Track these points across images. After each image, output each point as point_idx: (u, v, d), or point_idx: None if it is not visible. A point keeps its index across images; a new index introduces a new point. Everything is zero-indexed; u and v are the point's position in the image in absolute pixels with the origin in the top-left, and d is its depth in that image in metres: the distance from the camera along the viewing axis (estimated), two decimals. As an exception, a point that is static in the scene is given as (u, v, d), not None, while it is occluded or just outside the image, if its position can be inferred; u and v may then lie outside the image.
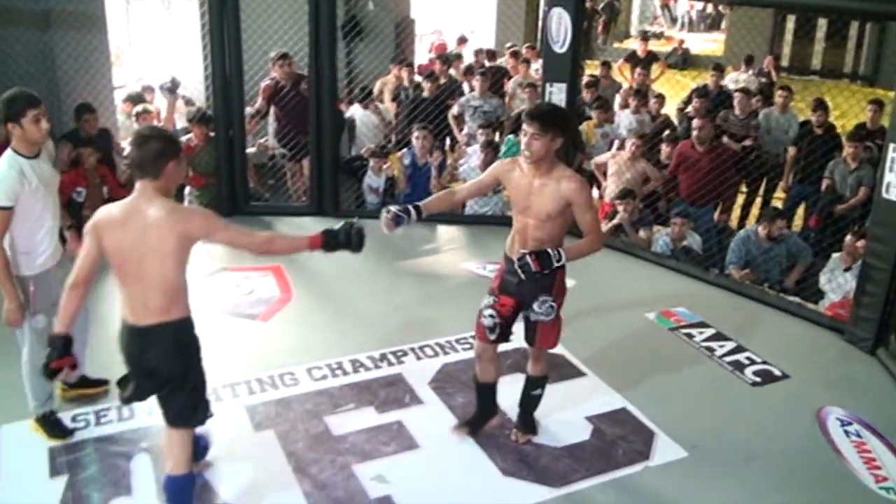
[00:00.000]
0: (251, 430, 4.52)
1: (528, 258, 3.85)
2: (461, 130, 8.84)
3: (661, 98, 9.58)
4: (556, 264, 3.91)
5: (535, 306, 4.12)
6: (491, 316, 4.17)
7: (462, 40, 12.94)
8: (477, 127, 8.33)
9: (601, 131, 8.51)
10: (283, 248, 3.89)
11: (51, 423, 4.41)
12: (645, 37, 13.62)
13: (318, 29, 7.20)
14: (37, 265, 4.19)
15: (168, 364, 3.52)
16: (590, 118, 8.68)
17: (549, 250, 3.91)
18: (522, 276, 3.91)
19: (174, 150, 3.42)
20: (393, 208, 4.08)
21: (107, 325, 4.96)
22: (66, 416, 4.53)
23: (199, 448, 4.00)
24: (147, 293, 3.44)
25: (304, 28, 7.40)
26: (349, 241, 3.67)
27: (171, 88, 8.52)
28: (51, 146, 4.32)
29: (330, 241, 3.64)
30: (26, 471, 4.15)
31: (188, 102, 8.57)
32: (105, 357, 4.81)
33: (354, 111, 8.71)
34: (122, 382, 3.62)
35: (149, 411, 4.59)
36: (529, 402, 4.42)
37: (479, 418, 4.48)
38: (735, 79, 11.30)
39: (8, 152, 4.03)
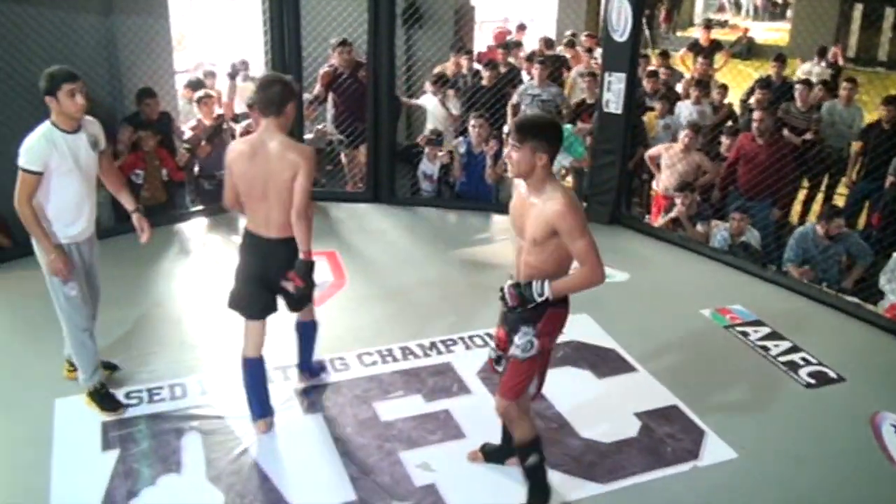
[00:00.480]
0: (301, 412, 4.58)
1: (507, 290, 3.53)
2: (518, 119, 8.77)
3: (723, 88, 9.40)
4: (537, 300, 3.47)
5: (516, 338, 3.59)
6: (492, 348, 3.83)
7: (521, 28, 12.87)
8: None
9: (663, 122, 8.39)
10: (303, 232, 4.13)
11: (101, 397, 4.54)
12: (708, 25, 13.36)
13: (378, 16, 7.22)
14: (68, 235, 4.33)
15: (281, 271, 4.17)
16: (651, 109, 8.56)
17: (534, 283, 3.47)
18: (503, 307, 3.64)
19: (293, 94, 4.04)
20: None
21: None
22: (119, 393, 4.65)
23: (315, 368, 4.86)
24: (270, 212, 4.08)
25: (363, 15, 7.43)
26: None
27: (233, 74, 8.62)
28: (97, 128, 4.41)
29: (301, 268, 4.16)
30: (79, 444, 4.26)
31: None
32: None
33: (427, 100, 8.63)
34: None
35: (201, 391, 4.70)
36: (523, 472, 3.87)
37: (499, 450, 4.17)
38: (808, 70, 11.03)
39: (45, 123, 4.19)
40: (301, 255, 4.16)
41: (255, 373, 4.37)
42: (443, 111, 8.47)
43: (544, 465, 3.83)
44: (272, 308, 4.35)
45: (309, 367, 4.90)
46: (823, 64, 11.45)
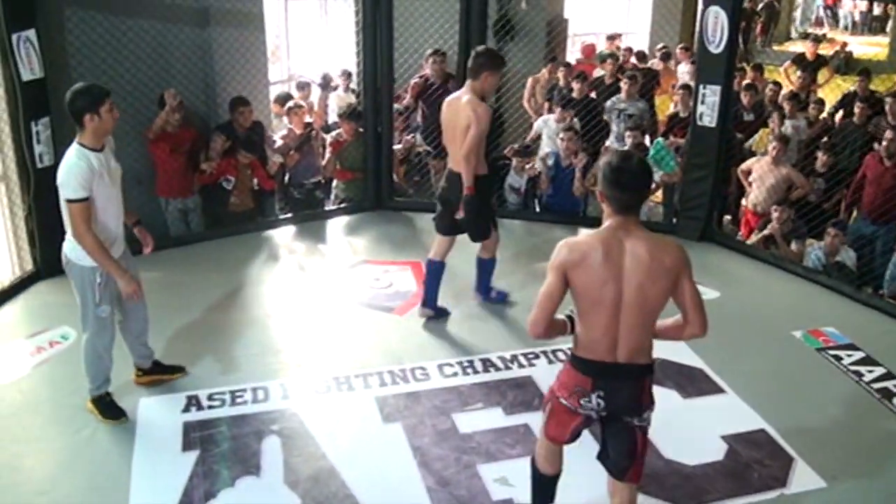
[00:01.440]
0: (380, 421, 4.58)
1: None
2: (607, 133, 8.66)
3: (819, 103, 9.11)
4: None
5: None
6: None
7: (611, 38, 12.72)
8: (624, 129, 8.13)
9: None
10: (465, 171, 5.18)
11: (105, 405, 4.53)
12: (817, 39, 12.99)
13: (469, 28, 7.22)
14: (115, 247, 4.30)
15: (456, 200, 5.28)
16: (747, 123, 8.32)
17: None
18: None
19: (490, 66, 5.13)
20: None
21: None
22: (202, 395, 4.73)
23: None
24: (454, 151, 5.29)
25: (455, 27, 7.44)
26: None
27: (324, 84, 8.75)
28: (112, 141, 4.37)
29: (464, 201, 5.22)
30: (161, 443, 4.34)
31: (358, 95, 8.63)
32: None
33: (547, 121, 8.45)
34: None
35: (283, 395, 4.75)
36: None
37: None
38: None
39: (74, 146, 4.12)
40: (465, 191, 5.15)
41: (434, 271, 5.60)
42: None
43: None
44: (456, 230, 5.45)
45: (482, 291, 5.91)
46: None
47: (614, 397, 3.19)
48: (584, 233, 5.78)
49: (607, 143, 8.69)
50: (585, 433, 3.47)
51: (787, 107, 8.37)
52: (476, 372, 5.06)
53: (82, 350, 4.48)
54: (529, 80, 9.51)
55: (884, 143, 6.92)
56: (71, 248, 4.24)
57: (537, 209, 7.85)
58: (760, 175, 7.33)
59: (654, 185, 7.64)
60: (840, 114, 9.26)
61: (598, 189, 3.20)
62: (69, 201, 4.06)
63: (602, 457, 3.39)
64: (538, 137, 8.31)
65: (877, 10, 22.64)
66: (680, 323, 3.23)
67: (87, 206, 4.06)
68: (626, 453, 3.28)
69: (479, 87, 5.14)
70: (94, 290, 4.27)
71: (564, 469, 3.62)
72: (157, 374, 4.88)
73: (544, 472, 3.59)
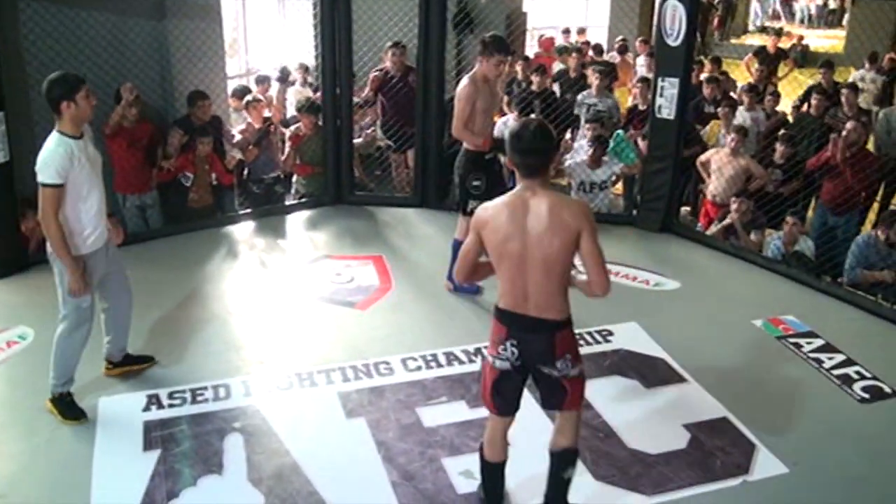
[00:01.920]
0: (343, 416, 4.54)
1: None
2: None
3: (775, 95, 9.22)
4: None
5: None
6: None
7: (566, 32, 12.79)
8: (584, 121, 8.17)
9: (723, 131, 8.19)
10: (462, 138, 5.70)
11: (66, 404, 4.47)
12: (777, 33, 13.15)
13: (429, 21, 7.20)
14: (87, 245, 4.30)
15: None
16: (711, 116, 8.40)
17: None
18: None
19: (482, 51, 5.47)
20: None
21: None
22: (162, 393, 4.67)
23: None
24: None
25: (414, 20, 7.41)
26: None
27: (282, 78, 8.67)
28: (90, 130, 4.38)
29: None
30: (121, 443, 4.27)
31: (316, 90, 8.56)
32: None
33: (507, 121, 8.41)
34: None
35: (245, 392, 4.71)
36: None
37: None
38: (860, 77, 10.80)
39: (54, 134, 4.14)
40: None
41: (457, 249, 5.39)
42: None
43: None
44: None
45: (452, 279, 5.85)
46: (874, 71, 11.17)
47: (527, 347, 3.38)
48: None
49: (567, 135, 8.73)
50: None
51: (745, 99, 8.45)
52: (440, 365, 5.04)
53: (55, 343, 4.41)
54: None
55: (843, 133, 7.00)
56: None
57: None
58: (719, 166, 7.40)
59: (614, 177, 7.68)
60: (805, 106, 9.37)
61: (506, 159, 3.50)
62: (43, 185, 4.07)
63: (543, 405, 3.66)
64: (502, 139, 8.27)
65: (832, 4, 23.01)
66: (585, 279, 3.36)
67: (58, 193, 4.09)
68: (557, 398, 3.50)
69: (477, 71, 5.52)
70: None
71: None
72: (128, 366, 4.85)
73: (489, 459, 3.68)
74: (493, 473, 3.72)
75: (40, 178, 4.09)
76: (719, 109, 8.25)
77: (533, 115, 7.57)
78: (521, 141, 3.29)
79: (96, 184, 4.30)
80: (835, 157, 6.97)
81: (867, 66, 11.17)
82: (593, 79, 8.82)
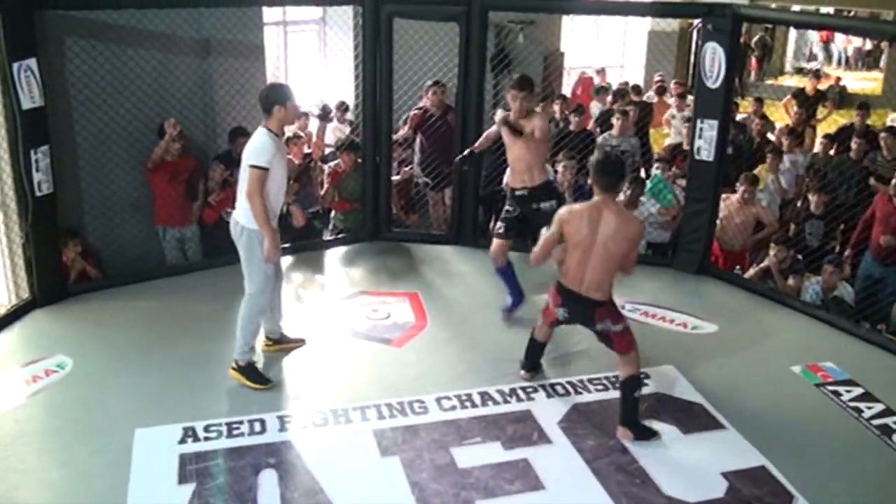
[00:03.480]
0: (378, 455, 4.54)
1: None
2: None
3: (828, 138, 9.12)
4: None
5: None
6: None
7: (601, 72, 12.83)
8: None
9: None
10: None
11: (253, 371, 5.15)
12: (818, 75, 13.11)
13: (468, 61, 7.26)
14: (273, 224, 5.01)
15: None
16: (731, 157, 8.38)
17: None
18: None
19: (509, 86, 5.73)
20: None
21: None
22: (199, 426, 4.70)
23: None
24: None
25: (454, 59, 7.48)
26: None
27: (323, 115, 8.77)
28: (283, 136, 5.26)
29: None
30: (156, 475, 4.30)
31: (355, 128, 8.65)
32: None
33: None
34: None
35: (280, 427, 4.72)
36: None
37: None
38: (896, 119, 10.75)
39: (262, 129, 4.94)
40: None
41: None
42: None
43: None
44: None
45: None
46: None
47: (572, 313, 4.77)
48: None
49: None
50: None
51: (785, 141, 8.41)
52: (475, 405, 5.02)
53: (242, 310, 5.12)
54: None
55: (893, 181, 6.91)
56: (243, 214, 4.98)
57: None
58: (729, 213, 7.34)
59: (653, 220, 7.64)
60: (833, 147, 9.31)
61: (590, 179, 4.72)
62: (254, 167, 4.83)
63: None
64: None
65: (869, 46, 22.87)
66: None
67: (265, 175, 4.84)
68: (608, 343, 4.76)
69: (519, 108, 5.70)
70: (262, 250, 4.97)
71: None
72: (284, 344, 5.57)
73: (537, 338, 5.23)
74: (537, 349, 5.28)
75: (252, 161, 4.84)
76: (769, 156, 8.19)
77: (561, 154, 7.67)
78: (604, 165, 4.58)
79: (283, 176, 5.08)
80: (883, 205, 6.87)
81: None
82: (616, 119, 8.83)
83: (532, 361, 5.32)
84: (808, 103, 10.31)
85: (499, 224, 6.05)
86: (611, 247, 4.50)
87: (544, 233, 4.71)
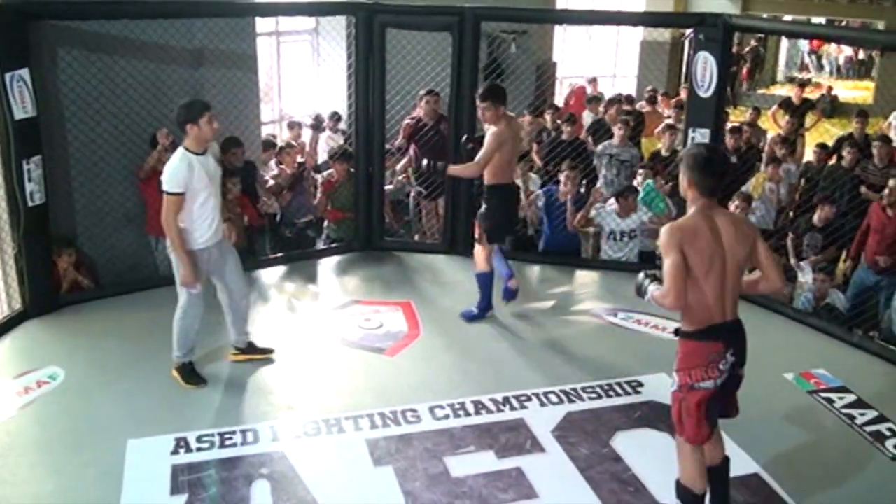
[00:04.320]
0: (371, 464, 4.53)
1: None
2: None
3: (823, 148, 9.15)
4: (639, 292, 3.83)
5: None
6: None
7: (592, 81, 12.86)
8: (614, 177, 8.16)
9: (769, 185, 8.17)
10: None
11: (188, 372, 5.23)
12: (802, 84, 13.21)
13: (461, 71, 7.28)
14: (198, 242, 5.02)
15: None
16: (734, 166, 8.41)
17: (642, 277, 3.85)
18: None
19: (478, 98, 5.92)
20: None
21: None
22: (191, 437, 4.68)
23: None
24: None
25: (446, 70, 7.50)
26: None
27: (316, 125, 8.78)
28: (216, 147, 5.25)
29: None
30: (149, 486, 4.29)
31: (348, 138, 8.68)
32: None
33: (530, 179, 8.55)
34: None
35: (272, 437, 4.71)
36: None
37: None
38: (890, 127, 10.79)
39: (180, 150, 4.93)
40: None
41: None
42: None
43: None
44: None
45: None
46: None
47: (738, 350, 3.72)
48: (586, 273, 5.84)
49: (599, 184, 8.74)
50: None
51: (778, 151, 8.44)
52: (468, 414, 5.02)
53: (174, 323, 5.18)
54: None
55: (886, 192, 6.93)
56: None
57: (540, 249, 7.84)
58: None
59: (644, 229, 7.65)
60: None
61: (683, 178, 3.74)
62: (167, 193, 4.83)
63: (727, 414, 3.91)
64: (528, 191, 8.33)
65: (861, 55, 23.01)
66: (758, 278, 3.84)
67: (179, 200, 4.85)
68: (735, 392, 3.86)
69: (491, 117, 5.95)
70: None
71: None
72: (252, 354, 5.57)
73: (702, 491, 3.85)
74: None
75: (165, 187, 4.84)
76: (767, 167, 8.21)
77: (564, 165, 7.63)
78: (712, 163, 3.67)
79: (213, 193, 5.03)
80: (878, 216, 6.89)
81: (896, 115, 11.16)
82: (617, 128, 8.86)
83: None
84: (796, 112, 10.35)
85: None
86: (740, 257, 3.69)
87: (646, 285, 3.75)
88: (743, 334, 3.74)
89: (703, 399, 3.66)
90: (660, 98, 11.67)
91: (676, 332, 3.79)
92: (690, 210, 3.72)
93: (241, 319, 5.51)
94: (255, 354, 5.58)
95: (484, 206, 6.13)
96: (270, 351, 5.64)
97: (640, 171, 8.33)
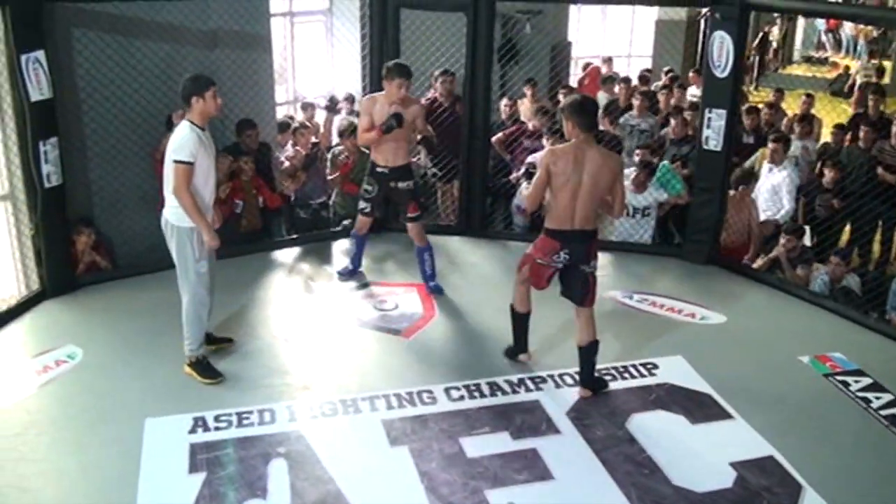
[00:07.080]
0: (387, 444, 4.56)
1: None
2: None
3: (840, 127, 9.09)
4: None
5: None
6: None
7: (607, 60, 12.76)
8: (635, 146, 8.15)
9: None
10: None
11: (204, 367, 5.11)
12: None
13: (475, 51, 7.24)
14: (208, 215, 4.94)
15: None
16: (747, 146, 8.36)
17: None
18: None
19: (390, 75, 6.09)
20: None
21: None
22: (209, 416, 4.73)
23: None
24: None
25: (461, 50, 7.47)
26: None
27: (330, 106, 8.76)
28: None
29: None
30: (167, 465, 4.34)
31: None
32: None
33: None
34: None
35: (289, 417, 4.74)
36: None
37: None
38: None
39: (185, 122, 4.86)
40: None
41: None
42: None
43: None
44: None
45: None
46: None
47: (573, 252, 4.85)
48: (600, 255, 5.85)
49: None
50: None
51: (797, 128, 8.42)
52: (483, 395, 5.04)
53: (184, 311, 5.06)
54: (521, 105, 9.42)
55: None
56: (172, 212, 4.92)
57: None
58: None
59: (659, 208, 7.62)
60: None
61: (566, 123, 4.81)
62: (178, 162, 4.75)
63: (565, 294, 5.05)
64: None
65: (875, 34, 22.69)
66: (609, 203, 4.93)
67: (190, 170, 4.77)
68: (581, 289, 4.93)
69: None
70: (193, 248, 4.94)
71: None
72: (211, 344, 5.35)
73: (520, 311, 5.28)
74: (522, 321, 5.32)
75: (175, 157, 4.76)
76: (770, 143, 8.16)
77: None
78: (585, 105, 4.78)
79: (213, 171, 5.01)
80: None
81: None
82: (634, 100, 8.88)
83: (524, 339, 5.39)
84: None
85: (363, 204, 6.44)
86: (599, 182, 4.72)
87: (524, 188, 4.70)
88: (581, 242, 4.82)
89: (536, 265, 4.97)
90: (691, 74, 11.55)
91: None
92: (571, 142, 4.79)
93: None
94: (213, 345, 5.40)
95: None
96: (230, 340, 5.55)
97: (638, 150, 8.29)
